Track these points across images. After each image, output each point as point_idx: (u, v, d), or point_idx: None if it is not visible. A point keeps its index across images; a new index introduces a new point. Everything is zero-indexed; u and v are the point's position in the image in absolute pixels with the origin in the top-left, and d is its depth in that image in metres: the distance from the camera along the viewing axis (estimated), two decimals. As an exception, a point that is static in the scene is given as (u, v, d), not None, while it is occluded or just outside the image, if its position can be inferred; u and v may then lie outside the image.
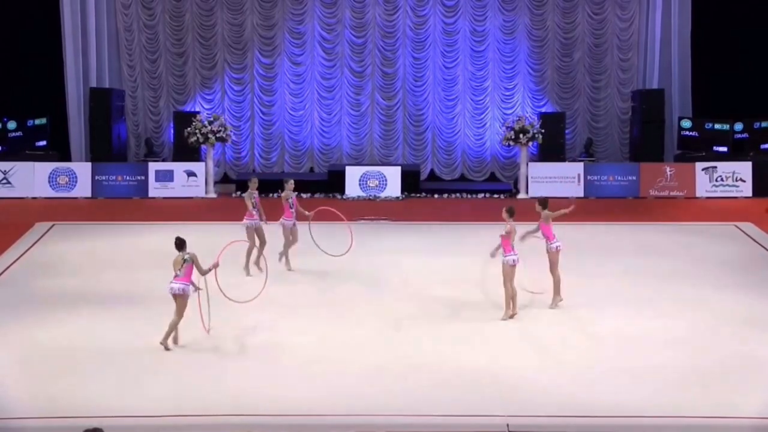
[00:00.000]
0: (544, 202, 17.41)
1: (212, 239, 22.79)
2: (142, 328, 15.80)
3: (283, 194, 19.95)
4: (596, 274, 19.41)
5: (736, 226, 24.17)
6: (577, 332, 15.76)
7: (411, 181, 29.58)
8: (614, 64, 31.30)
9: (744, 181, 28.83)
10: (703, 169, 29.05)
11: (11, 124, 29.95)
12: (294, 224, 19.64)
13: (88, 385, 13.45)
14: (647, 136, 29.97)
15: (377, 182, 29.24)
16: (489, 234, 22.88)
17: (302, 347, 14.99)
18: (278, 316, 16.63)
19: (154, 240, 22.64)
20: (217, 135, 29.08)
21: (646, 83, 31.07)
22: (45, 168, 28.84)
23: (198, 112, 30.17)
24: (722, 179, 28.91)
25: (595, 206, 27.78)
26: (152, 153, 30.71)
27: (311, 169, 31.40)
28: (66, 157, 30.30)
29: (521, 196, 29.19)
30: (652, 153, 29.88)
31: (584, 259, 20.57)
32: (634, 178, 29.27)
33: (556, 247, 16.91)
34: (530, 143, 29.36)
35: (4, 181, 28.63)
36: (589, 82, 31.43)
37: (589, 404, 12.89)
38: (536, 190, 28.97)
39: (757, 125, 30.06)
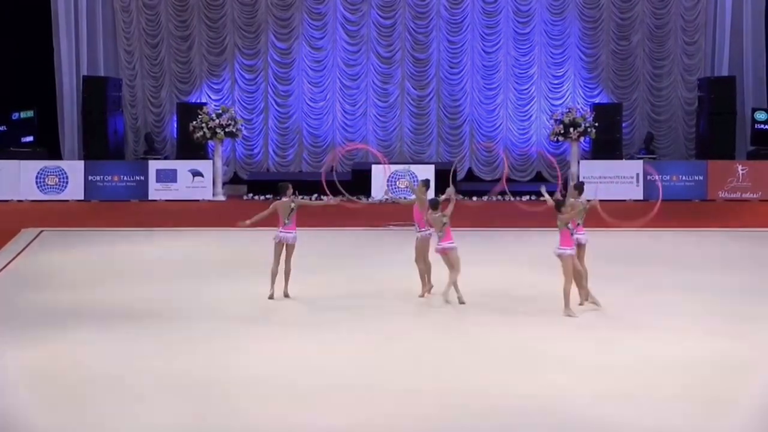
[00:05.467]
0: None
1: (221, 248, 22.91)
2: (143, 349, 15.76)
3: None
4: (655, 288, 19.23)
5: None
6: (635, 354, 15.60)
7: (446, 181, 29.41)
8: (678, 48, 31.17)
9: (827, 182, 28.70)
10: (780, 168, 28.94)
11: (-6, 118, 30.12)
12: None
13: (81, 415, 13.42)
14: (716, 130, 29.82)
15: (407, 183, 29.15)
16: (534, 241, 22.82)
17: (324, 369, 14.91)
18: (295, 335, 16.57)
19: (155, 248, 22.69)
20: (227, 129, 29.14)
21: (714, 70, 30.94)
22: (32, 167, 28.95)
23: (205, 104, 30.24)
24: (803, 179, 28.78)
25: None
26: (153, 150, 30.80)
27: (332, 168, 31.37)
28: (56, 154, 30.43)
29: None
30: (722, 149, 29.73)
31: (642, 271, 20.43)
32: (701, 177, 29.12)
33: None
34: (582, 138, 29.31)
35: (-14, 181, 28.73)
36: (649, 68, 31.31)
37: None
38: (589, 191, 28.78)
39: None
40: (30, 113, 30.48)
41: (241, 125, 29.91)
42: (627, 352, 15.61)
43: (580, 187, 18.39)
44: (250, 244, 23.14)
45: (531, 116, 31.29)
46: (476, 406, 13.40)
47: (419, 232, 18.05)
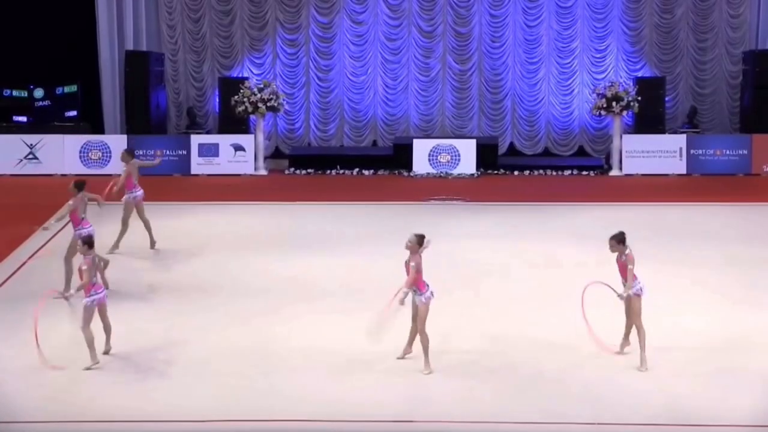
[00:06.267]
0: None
1: (262, 222, 22.97)
2: (179, 323, 15.89)
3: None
4: (695, 263, 19.17)
5: None
6: (671, 328, 15.60)
7: (488, 155, 29.44)
8: (723, 20, 30.87)
9: None
10: (826, 142, 28.67)
11: (38, 92, 30.30)
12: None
13: (122, 387, 13.57)
14: (761, 103, 29.51)
15: (449, 157, 29.14)
16: (577, 216, 22.77)
17: (363, 346, 14.97)
18: (332, 309, 16.63)
19: (196, 223, 22.79)
20: (268, 104, 29.16)
21: (759, 43, 30.62)
22: (76, 141, 29.14)
23: (246, 78, 30.26)
24: None
25: (699, 184, 27.50)
26: (195, 124, 30.88)
27: (374, 143, 31.39)
28: (99, 129, 30.56)
29: (614, 172, 28.97)
30: (767, 123, 29.43)
31: (682, 246, 20.35)
32: (745, 152, 28.90)
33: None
34: (625, 112, 29.09)
35: (31, 156, 28.97)
36: (693, 41, 31.03)
37: (691, 410, 12.76)
38: (631, 165, 28.77)
39: None
40: (74, 88, 30.64)
41: (283, 99, 29.92)
42: (669, 327, 15.60)
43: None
44: (290, 219, 23.24)
45: (573, 90, 31.10)
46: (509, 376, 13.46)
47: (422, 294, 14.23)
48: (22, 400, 13.12)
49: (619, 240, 14.15)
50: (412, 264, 13.94)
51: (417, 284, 14.05)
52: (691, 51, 31.03)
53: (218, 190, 26.82)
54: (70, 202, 17.34)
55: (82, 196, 17.47)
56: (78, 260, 14.82)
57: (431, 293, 14.17)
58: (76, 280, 15.04)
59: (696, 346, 14.88)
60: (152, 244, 20.36)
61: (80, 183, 17.64)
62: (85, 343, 14.07)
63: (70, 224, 17.50)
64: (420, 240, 14.15)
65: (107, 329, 14.54)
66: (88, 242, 14.49)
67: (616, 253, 14.19)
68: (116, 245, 20.01)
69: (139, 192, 20.16)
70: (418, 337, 14.12)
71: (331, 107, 31.40)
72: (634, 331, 14.17)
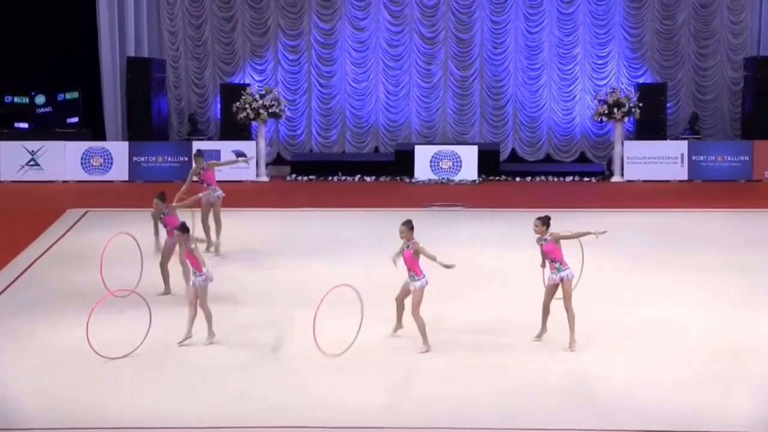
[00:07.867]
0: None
1: (263, 228, 22.95)
2: (180, 328, 15.84)
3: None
4: (696, 267, 19.15)
5: None
6: (673, 331, 15.57)
7: (489, 162, 29.41)
8: (724, 26, 30.87)
9: None
10: (827, 148, 28.64)
11: (39, 99, 30.29)
12: None
13: (123, 393, 13.53)
14: (762, 109, 29.51)
15: (451, 163, 29.12)
16: (578, 222, 22.70)
17: (368, 352, 14.93)
18: (333, 316, 16.59)
19: (198, 229, 22.74)
20: (270, 110, 29.15)
21: (760, 49, 30.60)
22: (77, 148, 29.14)
23: (248, 85, 30.26)
24: None
25: (700, 190, 27.48)
26: (196, 131, 30.88)
27: (376, 149, 31.37)
28: (100, 135, 30.56)
29: (615, 179, 28.94)
30: (768, 129, 29.45)
31: (683, 251, 20.33)
32: (747, 158, 28.88)
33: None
34: (626, 119, 29.09)
35: (32, 162, 28.96)
36: (694, 48, 31.02)
37: (693, 416, 12.72)
38: (633, 171, 28.74)
39: None
40: (75, 94, 30.68)
41: (285, 106, 29.90)
42: (670, 332, 15.56)
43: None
44: (292, 225, 23.22)
45: (575, 96, 31.09)
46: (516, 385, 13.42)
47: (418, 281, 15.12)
48: (21, 406, 13.09)
49: (545, 222, 15.15)
50: (419, 245, 14.84)
51: (414, 269, 14.82)
52: (692, 57, 31.02)
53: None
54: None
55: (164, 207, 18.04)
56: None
57: (426, 281, 14.95)
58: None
59: (698, 350, 14.86)
60: (214, 246, 20.49)
61: (163, 195, 18.18)
62: None
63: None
64: (410, 225, 15.08)
65: (205, 316, 15.43)
66: (184, 228, 15.77)
67: (550, 243, 15.05)
68: (218, 243, 20.37)
69: (219, 191, 20.60)
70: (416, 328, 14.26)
71: (333, 113, 31.39)
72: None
